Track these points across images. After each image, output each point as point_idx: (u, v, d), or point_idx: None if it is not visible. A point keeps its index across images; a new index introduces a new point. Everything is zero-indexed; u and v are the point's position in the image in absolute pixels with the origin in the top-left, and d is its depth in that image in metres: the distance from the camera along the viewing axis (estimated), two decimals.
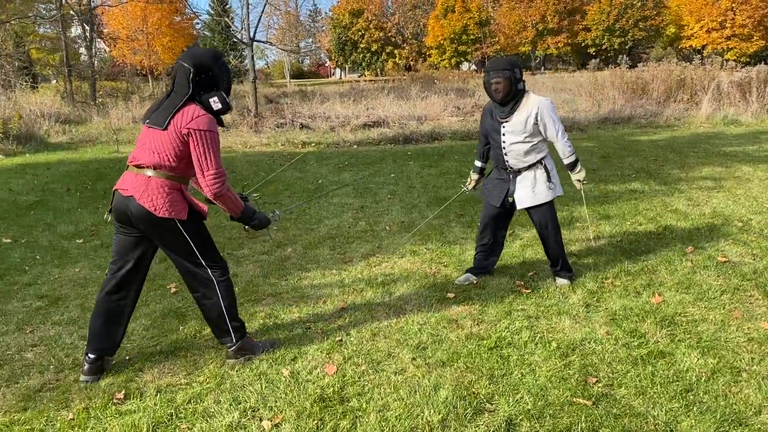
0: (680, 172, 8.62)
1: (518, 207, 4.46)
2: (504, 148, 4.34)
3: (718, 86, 15.80)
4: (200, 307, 3.38)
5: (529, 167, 4.37)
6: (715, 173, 8.46)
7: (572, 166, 4.42)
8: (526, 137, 4.25)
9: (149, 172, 3.05)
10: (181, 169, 3.10)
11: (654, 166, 9.21)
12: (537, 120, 4.20)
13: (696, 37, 47.60)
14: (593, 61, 29.73)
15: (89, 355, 3.25)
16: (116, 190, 3.15)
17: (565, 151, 4.34)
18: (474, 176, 4.85)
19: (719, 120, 14.67)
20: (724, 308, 3.98)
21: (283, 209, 3.65)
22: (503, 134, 4.32)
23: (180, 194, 3.13)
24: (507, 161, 4.39)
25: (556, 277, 4.61)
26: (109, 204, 3.21)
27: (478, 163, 4.80)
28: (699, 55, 40.30)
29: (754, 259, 4.90)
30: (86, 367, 3.24)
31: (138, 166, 3.09)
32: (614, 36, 50.99)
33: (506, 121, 4.28)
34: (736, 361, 3.30)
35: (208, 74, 3.06)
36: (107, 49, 34.95)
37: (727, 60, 35.18)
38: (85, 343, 3.64)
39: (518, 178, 4.41)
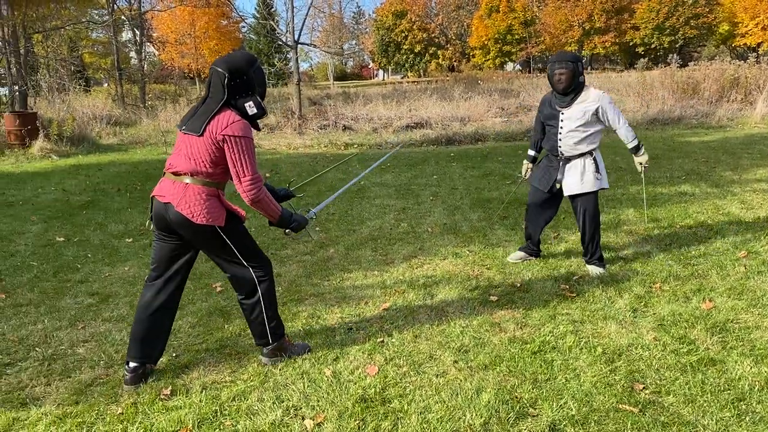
0: (733, 174, 8.35)
1: (565, 193, 4.70)
2: (560, 134, 4.61)
3: None
4: (241, 307, 3.39)
5: (579, 156, 4.62)
6: None
7: (635, 150, 4.72)
8: (580, 126, 4.52)
9: (187, 180, 3.05)
10: (217, 176, 3.09)
11: (705, 167, 8.93)
12: (598, 112, 4.50)
13: (751, 35, 45.91)
14: (642, 60, 29.02)
15: (129, 363, 3.22)
16: (154, 196, 3.15)
17: (627, 136, 4.64)
18: (527, 164, 5.12)
19: None
20: None
21: (314, 207, 3.63)
22: (561, 121, 4.60)
23: (217, 200, 3.11)
24: (560, 147, 4.65)
25: (588, 266, 4.83)
26: (149, 211, 3.22)
27: (531, 152, 5.07)
28: (754, 54, 38.93)
29: None
30: (128, 376, 3.21)
31: (175, 174, 3.08)
32: (664, 34, 49.60)
33: (566, 109, 4.57)
34: None
35: (242, 78, 3.03)
36: (156, 52, 35.90)
37: None
38: None
39: (567, 166, 4.67)
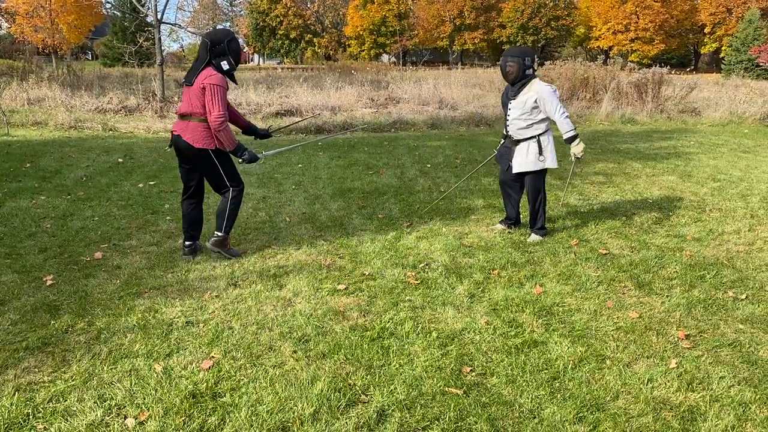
0: (575, 168, 8.97)
1: (513, 171, 5.39)
2: (508, 120, 5.35)
3: (617, 86, 16.58)
4: (220, 203, 4.88)
5: (526, 140, 5.26)
6: (607, 169, 8.88)
7: (570, 140, 5.26)
8: (523, 114, 5.17)
9: (189, 118, 4.48)
10: (205, 114, 4.42)
11: None
12: (537, 102, 5.07)
13: (603, 38, 49.82)
14: None
15: (185, 242, 4.93)
16: (172, 131, 4.60)
17: (563, 127, 5.18)
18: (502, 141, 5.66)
19: (617, 118, 15.42)
20: (598, 299, 4.19)
21: (268, 152, 5.44)
22: (510, 109, 5.30)
23: (210, 131, 4.49)
24: (509, 131, 5.38)
25: (532, 234, 5.51)
26: (170, 141, 4.66)
27: (504, 132, 5.59)
28: (605, 56, 42.18)
29: (632, 252, 5.18)
30: (186, 250, 4.92)
31: (182, 115, 4.53)
32: (528, 34, 52.49)
33: (513, 99, 5.23)
34: (602, 349, 3.47)
35: (219, 46, 4.43)
36: (5, 24, 32.74)
37: (631, 61, 37.02)
38: None
39: (516, 148, 5.36)
